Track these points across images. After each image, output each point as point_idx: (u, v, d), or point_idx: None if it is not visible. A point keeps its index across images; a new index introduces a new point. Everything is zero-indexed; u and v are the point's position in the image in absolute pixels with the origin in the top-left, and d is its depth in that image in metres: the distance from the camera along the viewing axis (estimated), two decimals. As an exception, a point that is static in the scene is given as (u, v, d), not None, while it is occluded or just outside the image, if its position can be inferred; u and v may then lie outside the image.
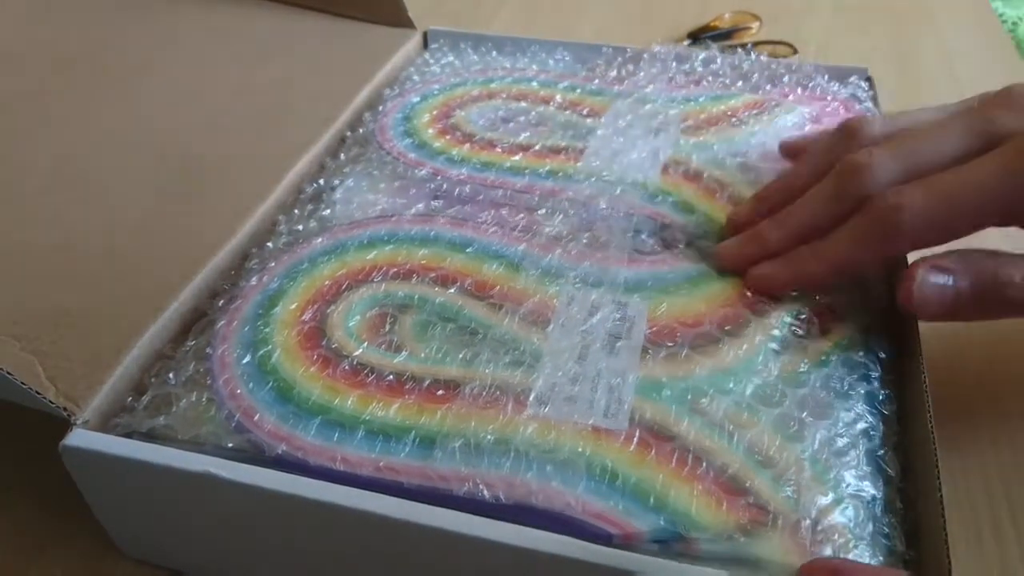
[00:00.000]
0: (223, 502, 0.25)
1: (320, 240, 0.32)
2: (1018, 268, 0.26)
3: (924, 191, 0.26)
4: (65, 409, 0.25)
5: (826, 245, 0.28)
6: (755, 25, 0.59)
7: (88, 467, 0.26)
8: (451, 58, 0.46)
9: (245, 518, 0.25)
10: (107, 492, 0.27)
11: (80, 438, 0.25)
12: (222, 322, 0.29)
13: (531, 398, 0.26)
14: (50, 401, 0.25)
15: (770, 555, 0.22)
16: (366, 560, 0.25)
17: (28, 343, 0.27)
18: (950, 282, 0.26)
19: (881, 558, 0.23)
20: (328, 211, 0.34)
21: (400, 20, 0.47)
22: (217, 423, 0.26)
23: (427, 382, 0.27)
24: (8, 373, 0.25)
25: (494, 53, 0.46)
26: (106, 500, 0.27)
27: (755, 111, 0.38)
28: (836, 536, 0.23)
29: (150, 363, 0.28)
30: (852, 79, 0.42)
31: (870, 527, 0.23)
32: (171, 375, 0.28)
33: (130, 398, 0.27)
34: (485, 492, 0.24)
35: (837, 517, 0.23)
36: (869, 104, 0.40)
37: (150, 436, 0.26)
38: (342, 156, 0.38)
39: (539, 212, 0.34)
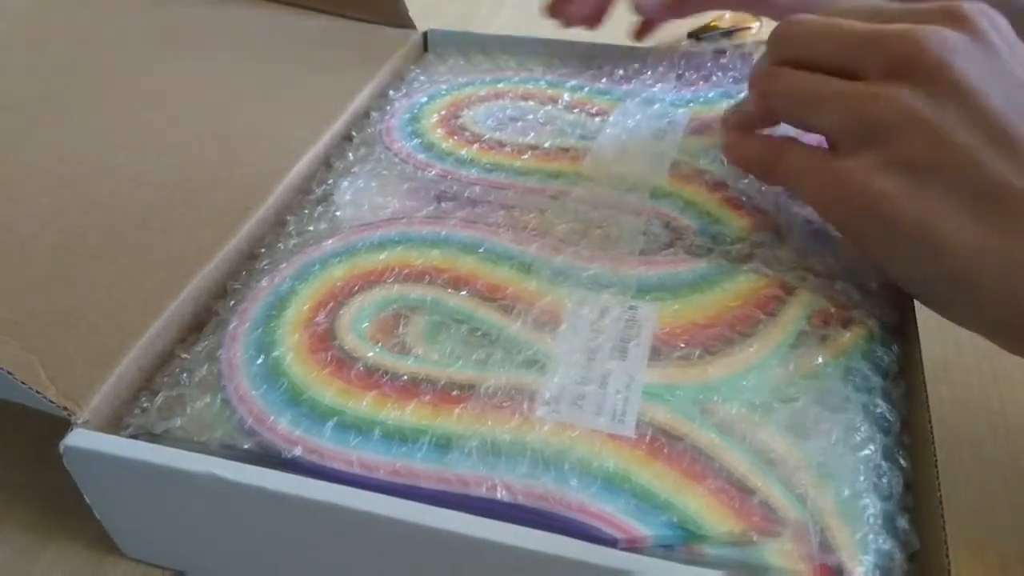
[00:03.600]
0: (224, 503, 0.25)
1: (331, 241, 0.32)
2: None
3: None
4: (66, 409, 0.25)
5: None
6: (755, 25, 0.59)
7: (88, 467, 0.25)
8: (458, 58, 0.46)
9: (247, 519, 0.25)
10: (107, 492, 0.26)
11: (81, 438, 0.25)
12: (233, 323, 0.29)
13: (542, 401, 0.26)
14: (51, 401, 0.25)
15: (778, 560, 0.22)
16: (367, 561, 0.25)
17: (28, 343, 0.27)
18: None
19: (899, 554, 0.23)
20: (339, 212, 0.34)
21: (400, 20, 0.47)
22: (231, 426, 0.26)
23: (440, 384, 0.26)
24: (8, 372, 0.25)
25: (500, 52, 0.46)
26: (106, 500, 0.27)
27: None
28: (847, 533, 0.23)
29: (150, 363, 0.28)
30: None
31: (882, 524, 0.23)
32: (184, 376, 0.27)
33: (144, 399, 0.27)
34: (496, 494, 0.23)
35: (848, 515, 0.23)
36: None
37: (163, 438, 0.26)
38: (350, 156, 0.38)
39: (548, 213, 0.33)
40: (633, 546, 0.23)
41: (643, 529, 0.23)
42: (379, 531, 0.23)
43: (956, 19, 0.26)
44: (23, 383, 0.25)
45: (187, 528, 0.27)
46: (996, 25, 0.27)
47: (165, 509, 0.26)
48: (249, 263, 0.32)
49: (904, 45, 0.26)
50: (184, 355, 0.29)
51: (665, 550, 0.23)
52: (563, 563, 0.22)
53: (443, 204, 0.35)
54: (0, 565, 0.28)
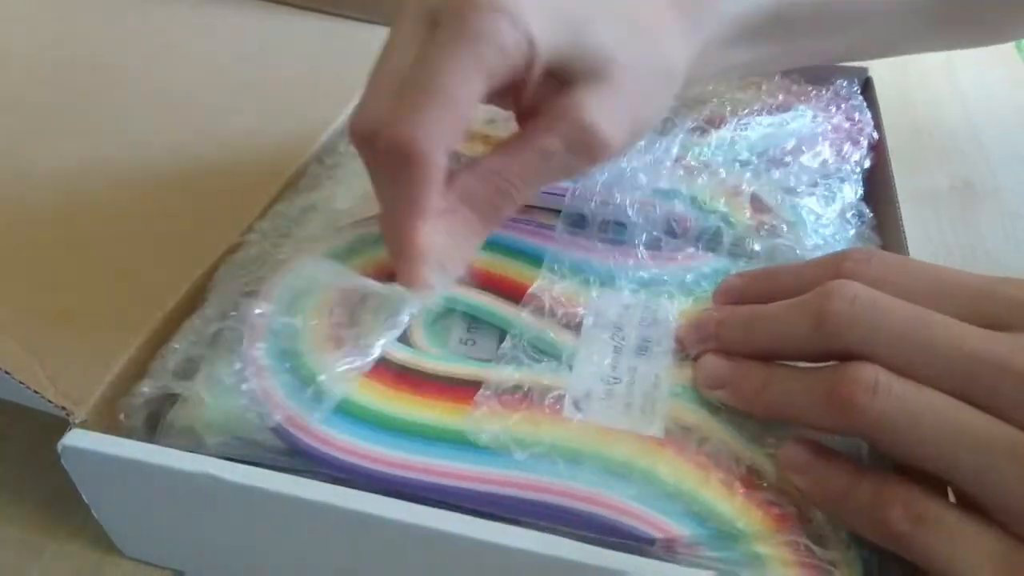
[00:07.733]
0: (223, 502, 0.25)
1: (342, 236, 0.31)
2: None
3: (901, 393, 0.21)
4: (64, 408, 0.25)
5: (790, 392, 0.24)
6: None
7: (87, 467, 0.25)
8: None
9: (245, 518, 0.25)
10: (106, 492, 0.26)
11: (79, 437, 0.25)
12: (251, 314, 0.27)
13: (565, 399, 0.26)
14: (49, 400, 0.25)
15: (779, 556, 0.23)
16: (366, 561, 0.25)
17: (28, 343, 0.27)
18: None
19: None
20: (334, 208, 0.34)
21: (400, 20, 0.47)
22: (250, 419, 0.25)
23: (457, 382, 0.26)
24: (7, 372, 0.25)
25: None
26: (106, 500, 0.27)
27: (767, 111, 0.38)
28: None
29: (151, 363, 0.28)
30: (845, 80, 0.42)
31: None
32: (172, 372, 0.27)
33: (134, 398, 0.27)
34: (520, 493, 0.24)
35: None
36: (860, 100, 0.40)
37: (151, 434, 0.26)
38: (342, 151, 0.38)
39: (557, 210, 0.33)
40: (670, 546, 0.23)
41: (678, 528, 0.23)
42: (376, 531, 0.23)
43: None
44: (22, 382, 0.25)
45: (186, 528, 0.27)
46: None
47: (164, 509, 0.26)
48: (241, 260, 0.32)
49: None
50: (174, 350, 0.28)
51: (697, 548, 0.23)
52: (559, 563, 0.22)
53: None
54: (0, 565, 0.28)
